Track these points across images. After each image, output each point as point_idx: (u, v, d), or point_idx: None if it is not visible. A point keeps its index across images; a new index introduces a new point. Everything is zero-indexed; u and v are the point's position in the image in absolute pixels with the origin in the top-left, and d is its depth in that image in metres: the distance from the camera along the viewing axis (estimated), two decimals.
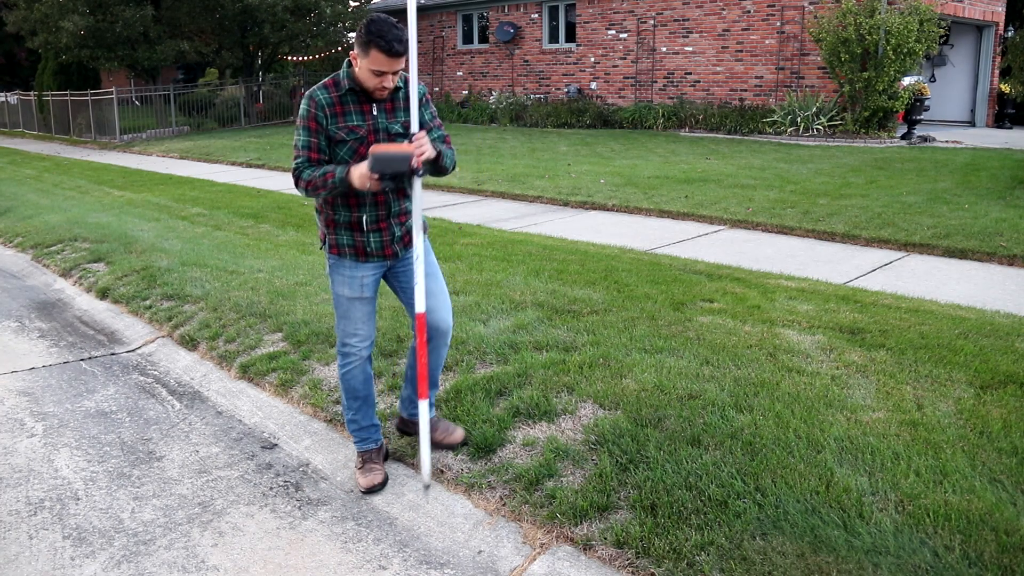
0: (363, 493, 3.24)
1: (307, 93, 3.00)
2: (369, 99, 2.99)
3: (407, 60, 2.88)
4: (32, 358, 4.95)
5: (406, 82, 3.04)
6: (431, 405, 3.27)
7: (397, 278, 3.26)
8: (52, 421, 4.01)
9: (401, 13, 25.15)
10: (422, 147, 2.85)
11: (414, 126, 2.94)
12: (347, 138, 2.97)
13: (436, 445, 3.33)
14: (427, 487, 3.17)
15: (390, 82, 2.92)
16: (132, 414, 4.09)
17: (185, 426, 3.94)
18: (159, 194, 10.98)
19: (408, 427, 3.51)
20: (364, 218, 3.07)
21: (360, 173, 2.84)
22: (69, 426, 3.95)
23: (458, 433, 3.39)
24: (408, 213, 3.15)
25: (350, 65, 2.98)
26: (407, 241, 3.17)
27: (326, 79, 3.03)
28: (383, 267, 3.19)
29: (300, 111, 3.00)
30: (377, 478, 3.24)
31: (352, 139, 2.97)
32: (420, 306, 3.06)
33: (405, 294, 3.26)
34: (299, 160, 2.99)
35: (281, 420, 3.93)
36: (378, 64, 2.85)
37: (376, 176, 2.80)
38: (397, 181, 2.94)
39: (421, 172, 2.94)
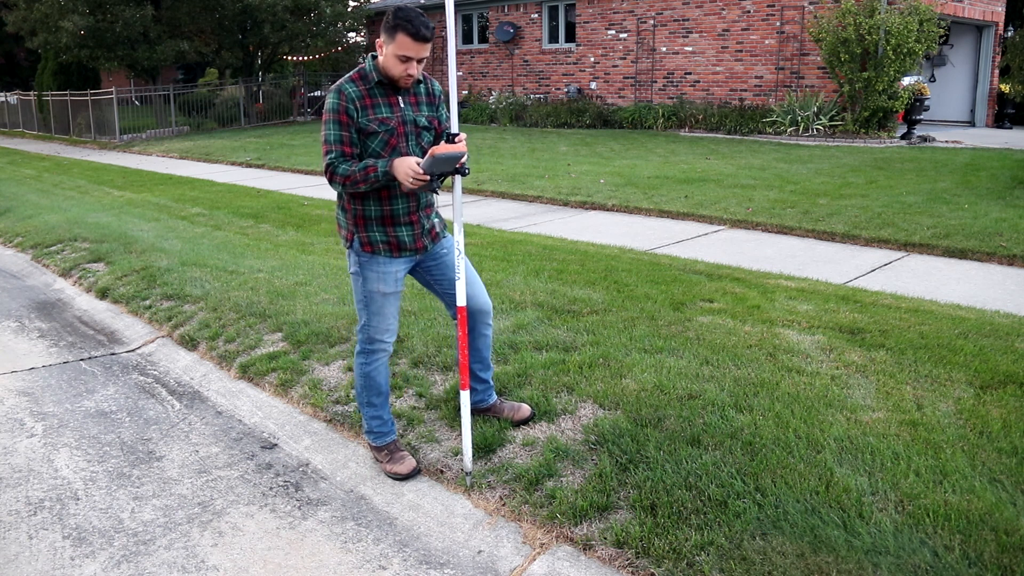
0: (403, 479, 3.26)
1: (334, 87, 2.98)
2: (396, 91, 3.01)
3: (431, 51, 2.88)
4: (32, 358, 4.95)
5: (426, 78, 3.10)
6: (490, 386, 3.50)
7: (430, 272, 3.28)
8: (52, 421, 4.01)
9: None
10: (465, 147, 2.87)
11: (454, 125, 2.93)
12: (378, 130, 2.97)
13: (511, 424, 3.46)
14: (468, 474, 3.18)
15: (415, 69, 2.93)
16: (132, 414, 4.09)
17: (185, 426, 3.94)
18: (159, 194, 10.98)
19: (481, 412, 3.56)
20: (397, 211, 3.08)
21: (408, 168, 2.82)
22: (69, 426, 3.95)
23: (524, 409, 3.51)
24: (433, 206, 3.22)
25: (375, 58, 3.00)
26: (434, 235, 3.22)
27: (352, 73, 3.03)
28: (413, 261, 3.22)
29: (328, 105, 2.97)
30: (413, 462, 3.30)
31: (383, 131, 2.97)
32: (461, 299, 3.09)
33: (441, 286, 3.31)
34: (332, 155, 2.96)
35: (281, 420, 3.93)
36: (404, 49, 2.87)
37: (428, 175, 2.81)
38: (439, 180, 2.92)
39: (466, 171, 2.98)
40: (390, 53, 2.90)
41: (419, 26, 2.83)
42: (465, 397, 3.14)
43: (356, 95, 2.95)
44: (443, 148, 2.79)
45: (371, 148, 2.98)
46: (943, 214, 7.61)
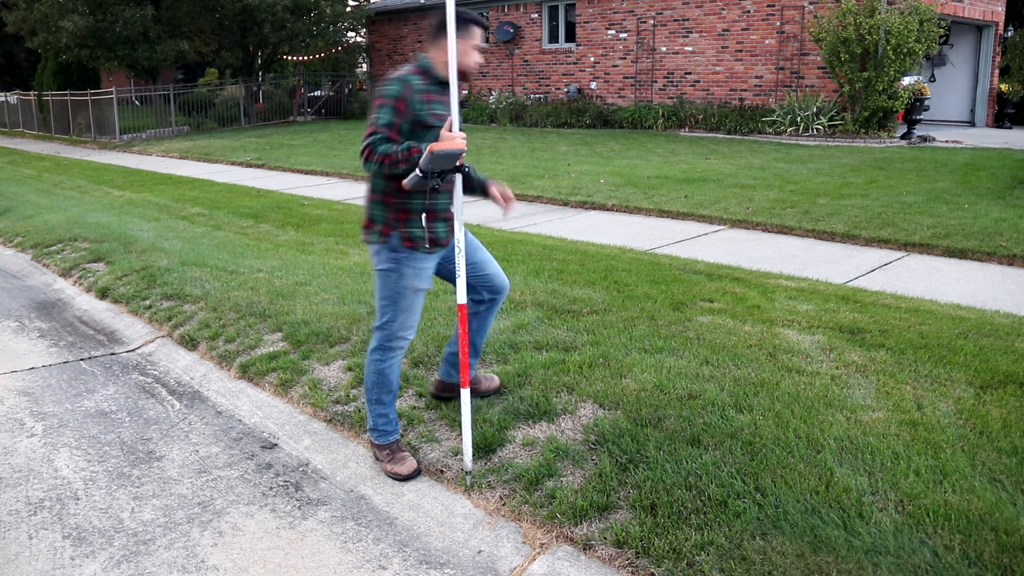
0: (403, 480, 3.27)
1: (399, 76, 3.00)
2: (445, 90, 3.04)
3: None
4: (32, 358, 4.95)
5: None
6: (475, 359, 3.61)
7: (451, 261, 3.28)
8: (52, 421, 4.01)
9: (399, 13, 25.14)
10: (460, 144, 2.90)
11: (456, 125, 2.96)
12: (436, 125, 3.00)
13: (482, 394, 3.67)
14: (468, 473, 3.20)
15: (451, 70, 2.94)
16: (132, 414, 4.09)
17: (185, 426, 3.94)
18: (159, 194, 10.98)
19: (445, 387, 3.68)
20: (438, 206, 3.13)
21: (435, 151, 2.81)
22: (69, 426, 3.95)
23: (495, 380, 3.74)
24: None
25: (427, 58, 3.07)
26: (452, 230, 3.23)
27: (410, 67, 3.05)
28: (440, 256, 3.26)
29: (389, 91, 2.97)
30: (414, 463, 3.32)
31: (439, 126, 2.99)
32: (462, 297, 3.11)
33: (474, 265, 3.36)
34: (376, 136, 2.94)
35: (281, 420, 3.93)
36: (479, 39, 3.08)
37: (433, 169, 2.84)
38: (438, 177, 2.91)
39: (467, 169, 3.05)
40: (468, 48, 3.03)
41: (486, 22, 2.96)
42: (466, 396, 3.14)
43: (420, 88, 3.00)
44: (441, 145, 2.81)
45: (426, 140, 2.96)
46: (943, 214, 7.61)
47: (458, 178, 3.03)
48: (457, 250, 3.07)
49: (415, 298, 3.18)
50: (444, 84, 3.03)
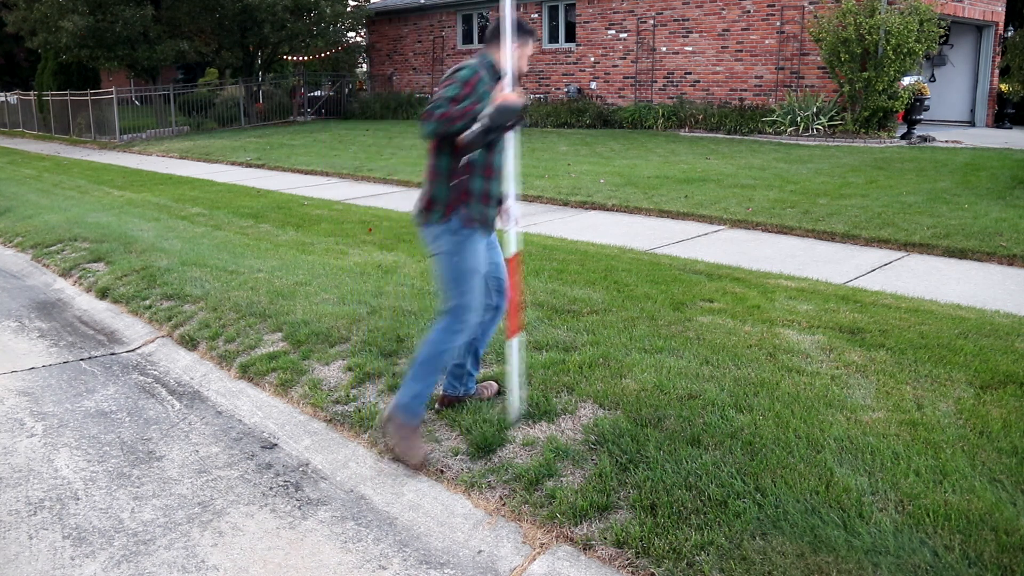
0: (407, 467, 3.30)
1: (472, 64, 3.20)
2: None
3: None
4: (32, 358, 4.95)
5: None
6: (474, 377, 3.68)
7: (488, 250, 3.38)
8: (52, 421, 4.01)
9: (399, 13, 25.12)
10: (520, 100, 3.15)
11: (509, 87, 3.16)
12: None
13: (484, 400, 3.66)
14: (516, 421, 3.39)
15: (505, 59, 3.22)
16: (132, 414, 4.09)
17: (185, 426, 3.94)
18: (159, 194, 10.98)
19: (450, 402, 3.66)
20: (493, 191, 3.29)
21: (497, 103, 3.02)
22: (69, 426, 3.95)
23: (494, 387, 3.75)
24: None
25: (491, 57, 3.28)
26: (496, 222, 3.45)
27: (477, 61, 3.24)
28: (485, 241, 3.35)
29: (461, 74, 3.14)
30: (423, 455, 3.31)
31: None
32: (513, 248, 3.38)
33: (495, 266, 3.44)
34: (439, 102, 3.05)
35: (281, 420, 3.93)
36: (531, 48, 3.39)
37: (499, 122, 3.05)
38: (499, 132, 3.16)
39: (526, 122, 3.34)
40: (524, 55, 3.34)
41: (522, 26, 3.31)
42: (515, 342, 3.36)
43: (487, 78, 3.21)
44: (505, 98, 3.03)
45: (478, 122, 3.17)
46: (943, 214, 7.61)
47: (511, 137, 3.27)
48: (507, 198, 3.39)
49: (477, 280, 3.27)
50: (497, 79, 3.24)
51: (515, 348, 3.21)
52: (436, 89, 3.18)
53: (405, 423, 3.31)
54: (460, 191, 3.18)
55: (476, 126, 3.00)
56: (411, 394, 3.30)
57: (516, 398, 3.27)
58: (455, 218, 3.19)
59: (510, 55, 3.21)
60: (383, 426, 3.40)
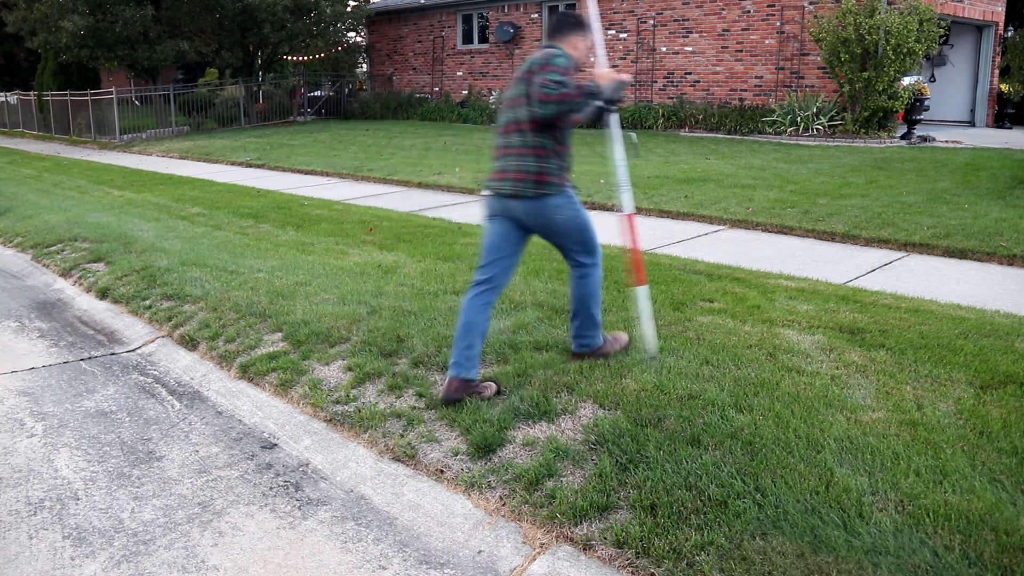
0: (626, 349, 4.00)
1: (564, 53, 3.53)
2: (574, 73, 3.61)
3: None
4: (32, 358, 4.95)
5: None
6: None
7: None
8: (52, 421, 4.01)
9: (399, 13, 25.12)
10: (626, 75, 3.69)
11: (603, 63, 3.63)
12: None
13: (484, 399, 3.72)
14: (654, 358, 3.90)
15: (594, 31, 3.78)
16: (132, 414, 4.09)
17: (185, 426, 3.94)
18: (159, 194, 10.98)
19: (460, 390, 3.74)
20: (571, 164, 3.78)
21: (608, 80, 3.48)
22: (69, 426, 3.95)
23: (492, 387, 3.81)
24: None
25: (562, 48, 3.61)
26: None
27: (556, 51, 3.52)
28: None
29: (560, 61, 3.46)
30: (494, 388, 3.78)
31: None
32: (629, 207, 3.95)
33: (557, 239, 3.89)
34: (551, 87, 3.37)
35: (281, 420, 3.93)
36: (590, 41, 3.77)
37: (615, 97, 3.51)
38: (615, 106, 3.63)
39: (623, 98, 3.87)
40: (584, 48, 3.72)
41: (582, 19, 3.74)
42: (643, 290, 3.94)
43: (570, 68, 3.54)
44: (617, 76, 3.48)
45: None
46: (943, 214, 7.61)
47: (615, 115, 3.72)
48: (618, 160, 3.91)
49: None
50: (575, 69, 3.61)
51: (644, 295, 3.95)
52: (531, 77, 3.46)
53: (598, 346, 3.99)
54: (561, 165, 3.63)
55: (594, 103, 3.45)
56: (591, 327, 3.94)
57: (652, 337, 3.93)
58: (567, 184, 3.68)
59: (600, 43, 3.81)
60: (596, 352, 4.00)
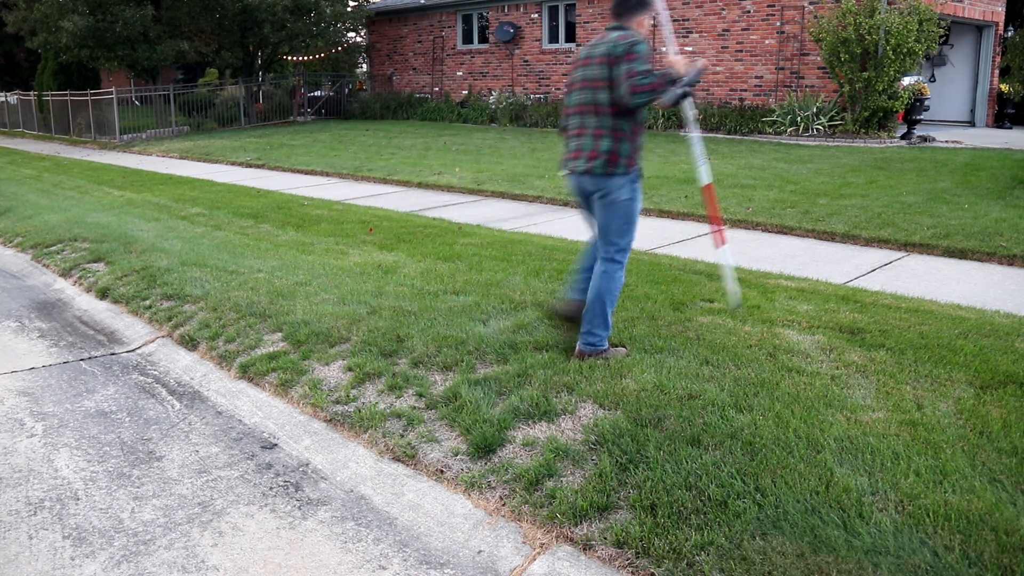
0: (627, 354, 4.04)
1: (641, 38, 3.72)
2: None
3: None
4: (32, 358, 4.95)
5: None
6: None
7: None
8: (52, 421, 4.01)
9: (399, 13, 25.11)
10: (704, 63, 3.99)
11: (673, 53, 3.93)
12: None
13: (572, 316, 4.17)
14: (737, 307, 4.63)
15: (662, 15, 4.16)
16: (132, 414, 4.09)
17: (185, 426, 3.94)
18: (159, 194, 10.98)
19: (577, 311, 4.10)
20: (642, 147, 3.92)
21: (688, 64, 3.71)
22: (69, 426, 3.95)
23: (623, 351, 4.12)
24: None
25: (633, 28, 3.84)
26: None
27: (627, 33, 3.74)
28: None
29: (641, 47, 3.67)
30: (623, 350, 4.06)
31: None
32: (706, 179, 4.49)
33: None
34: (643, 76, 3.59)
35: (281, 420, 3.93)
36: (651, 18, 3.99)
37: (694, 81, 3.74)
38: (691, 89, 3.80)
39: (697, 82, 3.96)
40: (648, 23, 3.95)
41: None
42: (727, 248, 4.63)
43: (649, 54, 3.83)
44: (698, 64, 3.73)
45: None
46: (943, 214, 7.61)
47: (688, 101, 3.94)
48: (695, 137, 4.48)
49: (637, 219, 3.95)
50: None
51: (728, 253, 4.71)
52: (615, 63, 3.64)
53: (602, 351, 4.01)
54: (632, 148, 3.79)
55: (676, 90, 3.63)
56: (597, 329, 3.96)
57: (733, 292, 4.67)
58: (635, 170, 3.83)
59: (668, 27, 4.30)
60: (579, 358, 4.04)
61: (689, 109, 4.19)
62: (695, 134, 4.40)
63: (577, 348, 4.04)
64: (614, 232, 3.88)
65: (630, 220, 3.89)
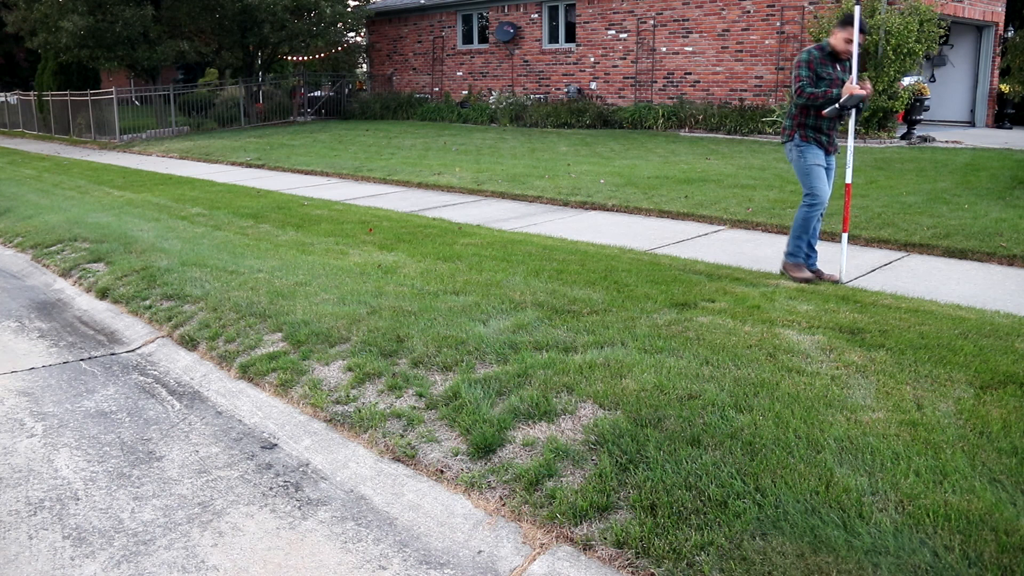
0: (800, 282, 5.49)
1: (807, 50, 5.37)
2: (836, 60, 5.39)
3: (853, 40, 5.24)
4: (32, 358, 4.95)
5: (850, 56, 5.35)
6: (816, 255, 5.79)
7: (827, 167, 5.54)
8: (52, 421, 4.01)
9: (399, 13, 25.13)
10: (868, 91, 5.23)
11: (855, 79, 5.19)
12: (826, 77, 5.34)
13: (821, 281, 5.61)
14: (837, 281, 5.58)
15: (853, 48, 5.24)
16: (132, 414, 4.09)
17: (185, 426, 3.94)
18: (159, 194, 10.98)
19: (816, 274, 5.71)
20: (821, 126, 5.43)
21: (848, 94, 5.14)
22: (69, 426, 3.95)
23: (834, 276, 5.70)
24: (835, 130, 5.54)
25: (828, 40, 5.40)
26: (835, 147, 5.58)
27: (814, 46, 5.42)
28: (824, 156, 5.50)
29: (801, 59, 5.37)
30: (809, 274, 5.61)
31: (828, 78, 5.34)
32: (848, 177, 5.62)
33: (829, 178, 5.57)
34: (804, 81, 5.32)
35: (281, 420, 3.93)
36: (850, 35, 5.22)
37: (843, 106, 5.18)
38: (848, 111, 5.21)
39: (864, 108, 5.63)
40: (840, 38, 5.27)
41: (862, 23, 5.22)
42: (845, 236, 5.63)
43: (816, 57, 5.34)
44: (855, 90, 5.07)
45: (821, 85, 5.30)
46: (943, 214, 7.61)
47: (854, 112, 5.33)
48: (851, 145, 5.56)
49: (819, 171, 5.45)
50: (834, 55, 5.36)
51: (844, 238, 5.63)
52: (792, 71, 5.45)
53: (793, 263, 5.64)
54: (799, 125, 5.44)
55: (833, 107, 5.16)
56: (792, 246, 5.62)
57: (845, 267, 5.64)
58: (796, 136, 5.45)
59: (856, 55, 5.25)
60: (783, 271, 5.74)
61: (851, 121, 5.47)
62: (851, 142, 5.53)
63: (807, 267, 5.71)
64: (801, 180, 5.55)
65: (805, 172, 5.45)
